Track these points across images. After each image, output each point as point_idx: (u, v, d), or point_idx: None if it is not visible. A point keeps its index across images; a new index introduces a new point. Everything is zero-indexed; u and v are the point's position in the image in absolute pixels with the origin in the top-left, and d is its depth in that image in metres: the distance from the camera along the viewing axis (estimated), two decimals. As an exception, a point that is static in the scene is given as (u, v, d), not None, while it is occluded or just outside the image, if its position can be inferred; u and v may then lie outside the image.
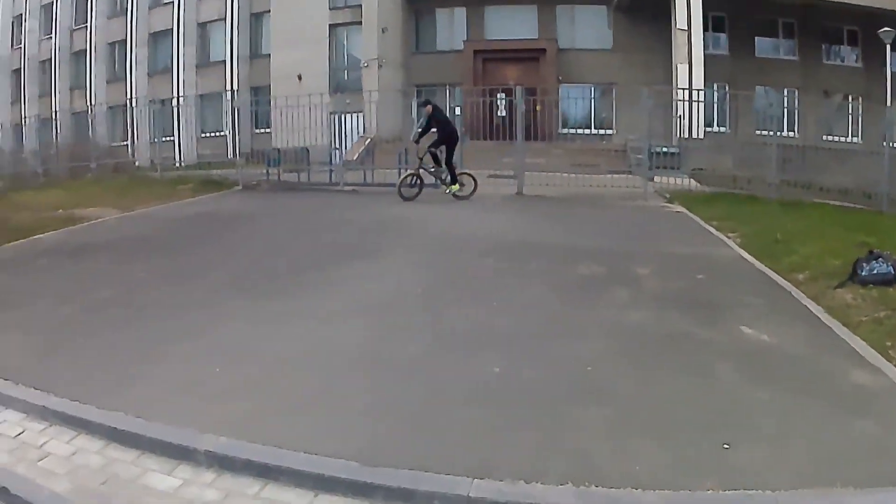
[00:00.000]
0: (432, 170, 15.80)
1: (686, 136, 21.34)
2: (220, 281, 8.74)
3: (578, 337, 6.44)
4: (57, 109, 37.44)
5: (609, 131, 29.83)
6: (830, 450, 4.29)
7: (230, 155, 28.44)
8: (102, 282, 8.77)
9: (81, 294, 8.19)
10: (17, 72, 43.51)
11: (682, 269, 9.16)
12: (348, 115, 24.52)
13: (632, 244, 10.95)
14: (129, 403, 5.01)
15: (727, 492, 3.81)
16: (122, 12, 38.85)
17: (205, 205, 16.06)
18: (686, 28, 27.09)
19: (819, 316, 7.08)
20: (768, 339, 6.35)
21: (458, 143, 16.27)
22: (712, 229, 12.20)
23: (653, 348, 6.15)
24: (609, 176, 17.55)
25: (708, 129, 26.02)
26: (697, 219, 13.38)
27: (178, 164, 28.36)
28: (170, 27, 37.34)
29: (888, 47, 24.93)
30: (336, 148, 21.22)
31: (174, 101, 33.06)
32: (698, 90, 25.07)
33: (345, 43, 33.70)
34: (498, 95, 24.53)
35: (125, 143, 32.24)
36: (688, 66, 26.80)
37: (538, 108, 19.61)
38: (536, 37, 32.29)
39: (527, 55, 31.71)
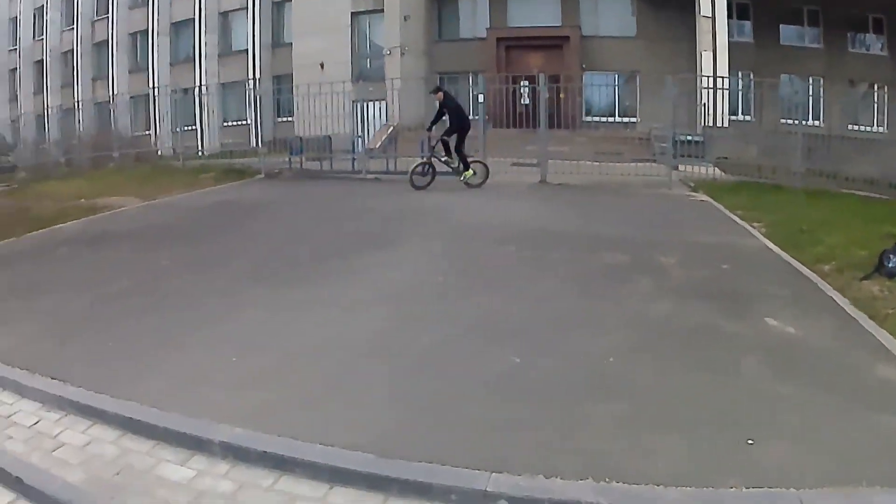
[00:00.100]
0: (444, 159, 15.67)
1: (710, 124, 21.18)
2: (240, 269, 8.73)
3: (599, 328, 6.36)
4: (79, 100, 37.58)
5: (633, 119, 29.51)
6: (856, 446, 4.17)
7: (253, 144, 28.44)
8: (122, 271, 8.79)
9: (100, 283, 8.20)
10: (40, 63, 43.81)
11: (706, 258, 9.05)
12: (371, 104, 24.43)
13: (656, 233, 10.84)
14: (145, 393, 4.99)
15: (750, 489, 3.71)
16: (144, 3, 38.86)
17: (226, 193, 16.07)
18: (710, 15, 26.82)
19: (845, 308, 6.94)
20: (794, 331, 6.23)
21: (480, 132, 16.16)
22: (737, 219, 12.06)
23: (676, 340, 6.05)
24: (633, 164, 17.40)
25: (732, 117, 25.82)
26: (722, 208, 13.23)
27: (200, 153, 28.39)
28: (191, 16, 37.38)
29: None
30: (358, 136, 21.12)
31: (196, 91, 33.09)
32: (723, 78, 24.88)
33: (367, 31, 33.58)
34: (521, 83, 24.36)
35: (148, 132, 32.32)
36: (712, 53, 26.53)
37: (562, 95, 19.47)
38: (560, 24, 31.99)
39: (550, 42, 31.45)
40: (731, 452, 4.09)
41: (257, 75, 35.13)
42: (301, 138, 20.70)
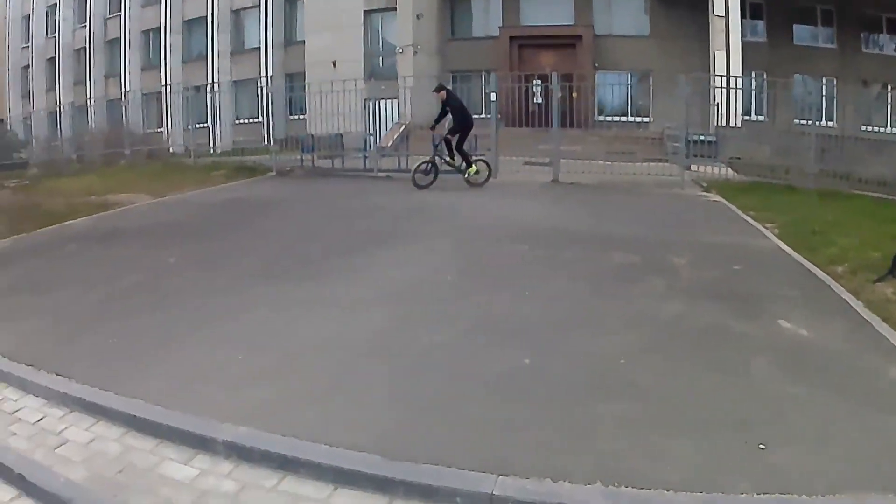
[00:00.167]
0: (446, 159, 15.59)
1: (723, 124, 21.11)
2: (249, 267, 8.69)
3: (610, 328, 6.29)
4: (91, 97, 37.70)
5: (646, 119, 29.41)
6: (869, 452, 4.09)
7: (265, 141, 28.46)
8: (131, 267, 8.77)
9: (108, 280, 8.19)
10: (52, 60, 44.03)
11: (718, 259, 8.98)
12: (383, 102, 24.39)
13: (668, 233, 10.77)
14: (149, 390, 4.96)
15: (762, 495, 3.64)
16: (156, 0, 39.00)
17: (237, 191, 16.05)
18: (724, 14, 26.70)
19: (858, 310, 6.84)
20: (806, 333, 6.15)
21: (492, 130, 16.06)
22: (750, 219, 11.96)
23: (687, 341, 5.98)
24: (645, 164, 17.32)
25: (745, 117, 25.72)
26: (734, 208, 13.14)
27: (212, 151, 28.46)
28: (204, 14, 37.54)
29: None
30: (370, 134, 21.10)
31: (208, 88, 33.14)
32: (736, 78, 24.78)
33: (380, 29, 33.58)
34: (534, 82, 24.30)
35: (160, 129, 32.36)
36: (725, 53, 26.42)
37: (575, 94, 19.40)
38: (573, 23, 31.84)
39: (563, 41, 31.30)
40: (743, 456, 4.02)
41: (269, 73, 35.16)
42: (313, 136, 20.69)
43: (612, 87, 27.71)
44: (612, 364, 5.40)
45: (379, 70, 31.82)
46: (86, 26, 41.91)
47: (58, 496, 4.01)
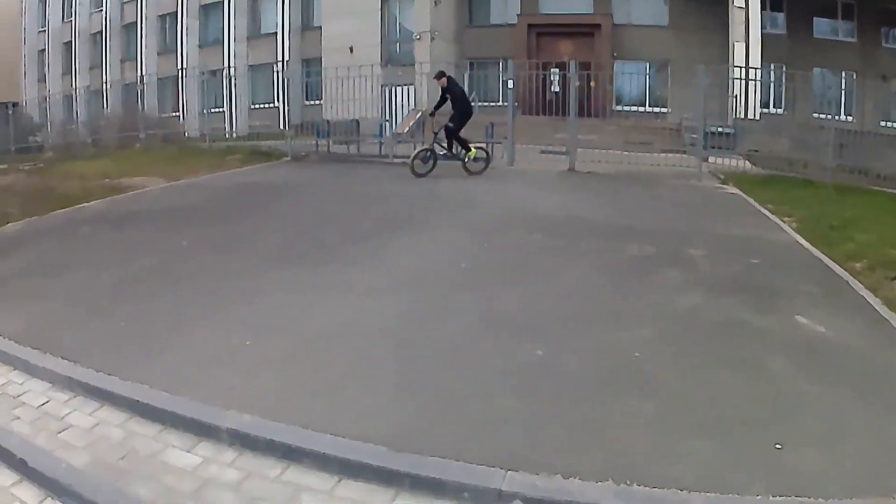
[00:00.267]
0: (444, 144, 15.48)
1: (741, 116, 20.94)
2: (264, 251, 8.68)
3: (625, 322, 6.19)
4: (107, 81, 37.74)
5: (663, 109, 29.19)
6: (886, 453, 3.99)
7: (280, 126, 28.45)
8: (143, 250, 8.75)
9: (121, 263, 8.17)
10: (69, 44, 44.08)
11: (736, 252, 8.87)
12: (399, 88, 24.36)
13: (685, 225, 10.69)
14: (155, 375, 4.92)
15: (777, 497, 3.54)
16: (173, -15, 38.97)
17: (252, 175, 16.05)
18: (744, 6, 26.45)
19: (876, 308, 6.73)
20: (824, 330, 6.04)
21: (509, 118, 15.97)
22: (767, 212, 11.83)
23: (703, 336, 5.88)
24: (663, 155, 17.21)
25: (764, 109, 25.46)
26: (752, 201, 13.00)
27: (228, 135, 28.43)
28: (221, -1, 37.42)
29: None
30: (386, 120, 21.08)
31: (224, 73, 33.11)
32: (755, 69, 24.52)
33: (397, 15, 33.35)
34: (551, 70, 24.18)
35: (175, 114, 32.42)
36: (745, 44, 26.18)
37: (593, 84, 19.29)
38: (591, 12, 31.61)
39: (581, 30, 31.10)
40: (758, 456, 3.92)
41: (286, 58, 35.04)
42: (329, 121, 20.68)
43: (630, 77, 27.72)
44: (626, 358, 5.31)
45: (396, 56, 31.66)
46: (102, 10, 41.93)
47: (59, 482, 3.96)
